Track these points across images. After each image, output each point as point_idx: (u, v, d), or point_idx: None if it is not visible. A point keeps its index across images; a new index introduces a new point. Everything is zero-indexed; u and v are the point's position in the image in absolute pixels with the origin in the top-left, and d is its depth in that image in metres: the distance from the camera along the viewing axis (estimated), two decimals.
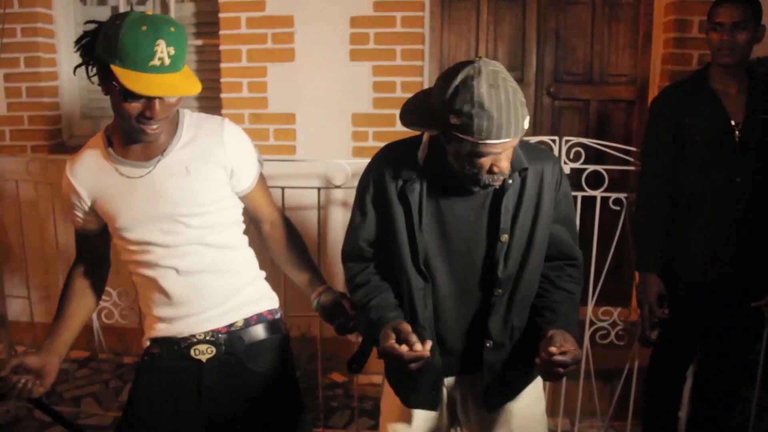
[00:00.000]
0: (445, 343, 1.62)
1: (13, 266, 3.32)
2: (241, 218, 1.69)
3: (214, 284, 1.58)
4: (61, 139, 3.52)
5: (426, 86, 3.15)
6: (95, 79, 1.48)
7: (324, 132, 3.18)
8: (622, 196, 2.55)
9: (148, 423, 1.60)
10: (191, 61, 3.41)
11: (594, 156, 2.64)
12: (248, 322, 1.63)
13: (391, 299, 1.60)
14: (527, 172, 1.52)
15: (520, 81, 3.29)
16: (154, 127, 1.45)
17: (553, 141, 2.51)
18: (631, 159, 2.60)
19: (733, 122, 2.21)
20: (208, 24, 3.28)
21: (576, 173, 2.53)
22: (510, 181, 1.50)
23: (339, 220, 3.15)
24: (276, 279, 2.63)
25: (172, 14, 3.32)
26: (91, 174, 1.57)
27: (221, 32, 3.16)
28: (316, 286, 1.75)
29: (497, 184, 1.45)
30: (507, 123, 1.32)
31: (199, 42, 3.33)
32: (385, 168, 1.57)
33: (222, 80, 3.20)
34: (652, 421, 2.52)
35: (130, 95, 1.38)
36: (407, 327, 1.46)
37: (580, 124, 3.33)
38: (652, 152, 2.35)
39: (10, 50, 3.28)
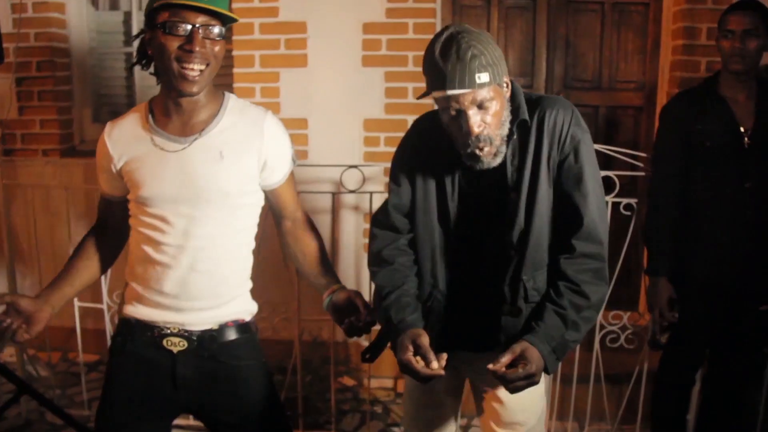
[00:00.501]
0: (460, 312, 1.63)
1: (24, 270, 3.34)
2: (256, 222, 1.68)
3: (203, 289, 1.57)
4: (72, 143, 3.54)
5: None
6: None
7: (336, 137, 3.20)
8: (632, 201, 2.57)
9: (125, 408, 1.60)
10: None
11: (602, 161, 2.66)
12: (222, 327, 1.62)
13: (412, 290, 1.61)
14: (529, 124, 1.52)
15: (529, 87, 3.33)
16: (195, 70, 1.45)
17: None
18: (641, 164, 2.63)
19: (742, 129, 2.24)
20: None
21: None
22: (514, 136, 1.51)
23: (351, 225, 3.18)
24: (290, 282, 2.67)
25: None
26: (126, 138, 1.58)
27: (234, 37, 3.18)
28: (331, 284, 1.71)
29: (482, 154, 1.46)
30: (452, 74, 1.39)
31: None
32: (421, 136, 1.63)
33: (235, 85, 3.22)
34: (661, 423, 2.54)
35: (170, 26, 1.43)
36: (425, 341, 1.48)
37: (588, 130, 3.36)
38: (663, 158, 2.38)
39: (24, 54, 3.31)
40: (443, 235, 1.61)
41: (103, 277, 2.82)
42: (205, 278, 1.57)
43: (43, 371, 3.27)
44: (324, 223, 2.80)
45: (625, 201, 2.57)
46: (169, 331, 1.58)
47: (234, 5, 3.16)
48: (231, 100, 1.62)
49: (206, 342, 1.59)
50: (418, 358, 1.46)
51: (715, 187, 2.27)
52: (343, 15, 3.12)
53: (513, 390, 1.42)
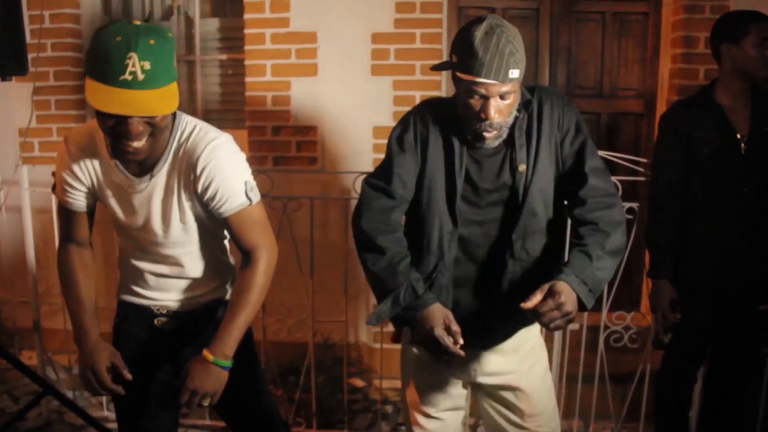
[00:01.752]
0: (462, 284, 1.74)
1: (41, 275, 3.40)
2: (223, 228, 1.73)
3: (178, 288, 1.74)
4: None
5: None
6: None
7: (346, 144, 3.28)
8: (634, 205, 2.64)
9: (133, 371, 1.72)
10: (214, 75, 3.52)
11: None
12: (201, 307, 1.77)
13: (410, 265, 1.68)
14: (532, 107, 1.66)
15: None
16: (135, 146, 1.42)
17: None
18: (641, 170, 2.71)
19: (738, 135, 2.30)
20: (233, 39, 3.39)
21: None
22: (518, 114, 1.64)
23: None
24: (304, 285, 2.75)
25: (197, 29, 3.43)
26: (92, 164, 1.61)
27: (246, 47, 3.26)
28: (209, 345, 1.61)
29: (488, 136, 1.59)
30: (489, 64, 1.50)
31: (224, 56, 3.44)
32: (428, 114, 1.71)
33: (247, 94, 3.30)
34: (664, 420, 2.60)
35: (100, 111, 1.36)
36: (452, 318, 1.60)
37: (590, 136, 3.44)
38: (663, 164, 2.43)
39: (41, 64, 3.38)
40: (449, 210, 1.69)
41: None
42: (177, 281, 1.74)
43: (61, 374, 3.34)
44: (336, 228, 2.88)
45: (627, 205, 2.64)
46: (158, 312, 1.76)
47: (246, 16, 3.24)
48: (178, 130, 1.57)
49: (188, 318, 1.77)
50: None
51: (714, 191, 2.33)
52: (353, 25, 3.20)
53: (553, 327, 1.51)
